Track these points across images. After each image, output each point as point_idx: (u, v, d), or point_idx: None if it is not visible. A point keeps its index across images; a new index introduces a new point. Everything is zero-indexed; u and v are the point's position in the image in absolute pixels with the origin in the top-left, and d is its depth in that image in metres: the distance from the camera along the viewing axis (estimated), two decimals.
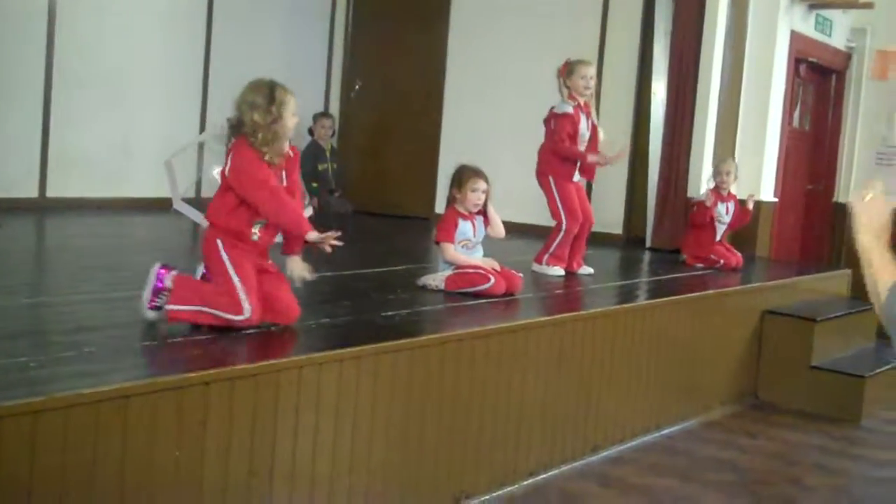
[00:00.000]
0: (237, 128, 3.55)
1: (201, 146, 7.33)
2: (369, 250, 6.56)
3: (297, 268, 3.75)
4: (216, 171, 3.73)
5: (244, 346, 3.41)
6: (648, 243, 7.58)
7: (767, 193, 7.67)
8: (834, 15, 8.30)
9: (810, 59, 8.29)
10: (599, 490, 4.35)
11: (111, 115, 7.61)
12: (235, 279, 3.49)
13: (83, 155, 7.43)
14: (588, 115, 5.74)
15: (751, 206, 6.78)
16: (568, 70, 5.67)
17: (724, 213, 6.72)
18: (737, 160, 7.08)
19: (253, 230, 3.58)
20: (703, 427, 5.47)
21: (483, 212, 4.88)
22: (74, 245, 6.09)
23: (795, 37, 7.75)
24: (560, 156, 5.65)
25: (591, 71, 5.74)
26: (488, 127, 8.43)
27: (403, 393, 3.65)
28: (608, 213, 7.75)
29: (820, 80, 8.92)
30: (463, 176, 4.88)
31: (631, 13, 7.95)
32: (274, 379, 3.16)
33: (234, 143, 3.57)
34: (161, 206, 6.26)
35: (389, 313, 4.17)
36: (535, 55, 7.81)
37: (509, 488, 4.17)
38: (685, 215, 7.14)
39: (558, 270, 5.66)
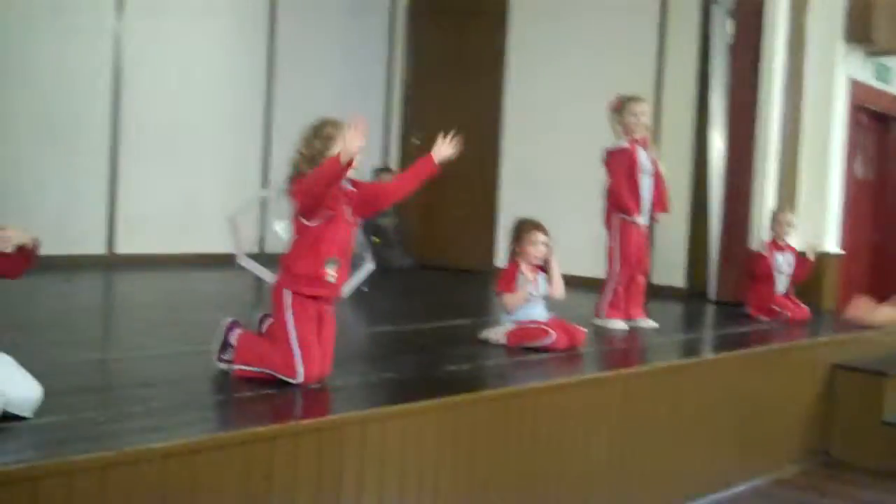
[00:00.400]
0: (294, 166, 3.59)
1: (264, 201, 7.43)
2: (430, 304, 6.57)
3: (444, 151, 3.93)
4: (279, 227, 3.76)
5: (309, 401, 3.42)
6: (711, 296, 7.47)
7: (832, 244, 7.55)
8: (893, 62, 8.22)
9: (870, 106, 8.20)
10: None
11: (176, 171, 7.77)
12: (294, 340, 3.49)
13: (149, 211, 7.57)
14: (646, 149, 5.71)
15: (811, 257, 6.68)
16: (620, 107, 5.67)
17: (784, 264, 6.63)
18: (797, 210, 6.99)
19: (328, 270, 3.55)
20: (774, 485, 5.32)
21: (545, 268, 4.86)
22: (141, 300, 6.19)
23: (854, 85, 7.68)
24: (619, 195, 5.61)
25: (644, 107, 5.70)
26: (547, 179, 8.42)
27: (469, 448, 3.61)
28: (669, 266, 7.68)
29: (881, 129, 8.80)
30: (522, 229, 4.89)
31: (686, 63, 7.93)
32: (338, 434, 3.16)
33: (292, 185, 3.59)
34: (225, 261, 6.34)
35: (453, 367, 4.16)
36: (593, 104, 7.81)
37: None
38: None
39: (620, 324, 5.60)
